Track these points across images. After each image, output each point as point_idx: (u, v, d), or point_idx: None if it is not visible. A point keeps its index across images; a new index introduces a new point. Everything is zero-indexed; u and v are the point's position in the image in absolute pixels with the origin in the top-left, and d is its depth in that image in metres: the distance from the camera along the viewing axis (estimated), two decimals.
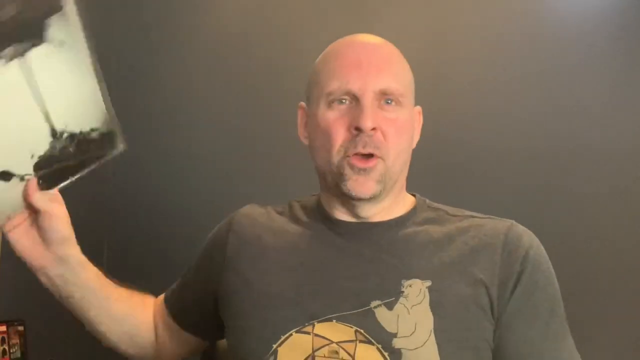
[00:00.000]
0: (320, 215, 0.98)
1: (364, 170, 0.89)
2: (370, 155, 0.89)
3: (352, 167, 0.89)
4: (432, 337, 0.83)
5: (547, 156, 1.68)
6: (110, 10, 1.90)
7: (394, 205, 0.95)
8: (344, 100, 0.90)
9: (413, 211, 0.96)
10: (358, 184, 0.89)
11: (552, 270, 0.89)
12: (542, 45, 1.72)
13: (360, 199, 0.90)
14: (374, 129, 0.88)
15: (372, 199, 0.90)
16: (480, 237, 0.90)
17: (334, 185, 0.92)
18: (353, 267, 0.89)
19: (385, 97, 0.90)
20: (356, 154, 0.89)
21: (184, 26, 1.86)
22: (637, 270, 1.58)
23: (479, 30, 1.78)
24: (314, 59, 0.96)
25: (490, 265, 0.87)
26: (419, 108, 0.98)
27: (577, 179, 1.65)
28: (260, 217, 1.00)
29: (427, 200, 0.99)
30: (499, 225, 0.91)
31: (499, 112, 1.68)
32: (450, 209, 0.97)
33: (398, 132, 0.91)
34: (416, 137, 0.97)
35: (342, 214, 0.95)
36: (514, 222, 0.91)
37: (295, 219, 0.99)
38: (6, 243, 1.42)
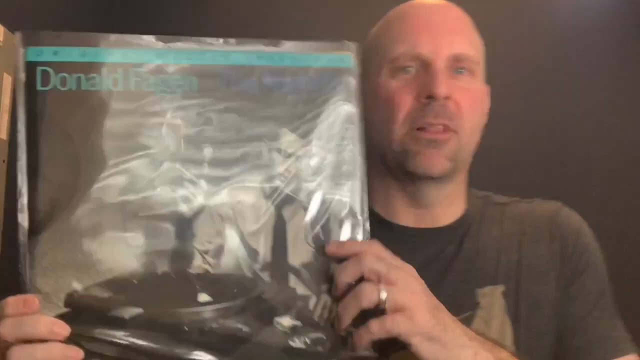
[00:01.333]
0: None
1: (435, 142, 0.75)
2: (442, 127, 0.75)
3: (418, 140, 0.75)
4: (513, 350, 0.74)
5: (546, 156, 1.71)
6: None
7: (457, 193, 0.82)
8: (409, 69, 0.76)
9: (469, 206, 0.83)
10: (427, 158, 0.75)
11: (600, 252, 0.82)
12: (544, 45, 1.76)
13: (428, 178, 0.76)
14: (447, 97, 0.74)
15: (440, 179, 0.77)
16: (534, 225, 0.81)
17: (395, 165, 0.77)
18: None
19: (459, 65, 0.77)
20: (425, 125, 0.75)
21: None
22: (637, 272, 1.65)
23: (481, 31, 1.79)
24: None
25: (552, 255, 0.79)
26: (487, 88, 0.84)
27: (576, 179, 1.71)
28: None
29: (472, 189, 0.86)
30: (548, 209, 0.83)
31: (499, 112, 1.74)
32: (494, 195, 0.86)
33: (473, 105, 0.78)
34: (485, 118, 0.83)
35: (399, 208, 0.80)
36: (559, 204, 0.84)
37: None
38: (6, 243, 1.30)
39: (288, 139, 0.63)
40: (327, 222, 0.64)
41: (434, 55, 0.75)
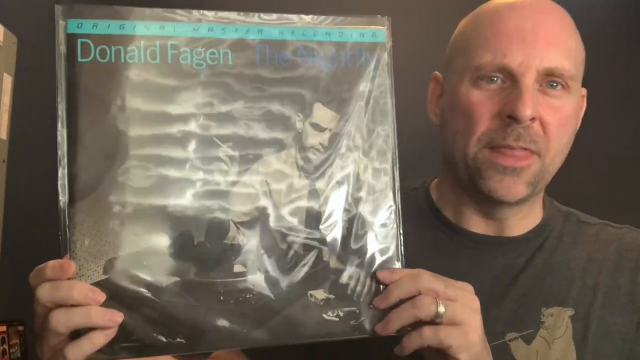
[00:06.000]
0: (435, 219, 0.79)
1: (513, 170, 0.69)
2: (523, 150, 0.69)
3: (494, 166, 0.70)
4: None
5: None
6: None
7: (533, 206, 0.78)
8: (495, 79, 0.70)
9: (547, 219, 0.79)
10: (503, 186, 0.70)
11: None
12: None
13: (502, 202, 0.72)
14: (532, 118, 0.68)
15: (517, 202, 0.72)
16: (620, 253, 0.76)
17: (466, 179, 0.74)
18: (486, 290, 0.71)
19: (551, 80, 0.70)
20: (504, 147, 0.69)
21: None
22: None
23: None
24: None
25: (633, 287, 0.74)
26: (584, 90, 0.77)
27: (578, 179, 1.68)
28: None
29: (554, 202, 0.83)
30: (639, 238, 0.78)
31: None
32: (580, 214, 0.82)
33: (562, 124, 0.71)
34: (577, 127, 0.76)
35: (470, 216, 0.77)
36: None
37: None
38: (6, 243, 1.35)
39: (321, 113, 0.64)
40: (361, 197, 0.64)
41: (523, 69, 0.68)
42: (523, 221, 0.78)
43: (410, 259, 0.65)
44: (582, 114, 0.78)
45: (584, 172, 1.74)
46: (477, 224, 0.78)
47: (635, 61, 1.86)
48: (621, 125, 1.84)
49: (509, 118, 0.69)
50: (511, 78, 0.70)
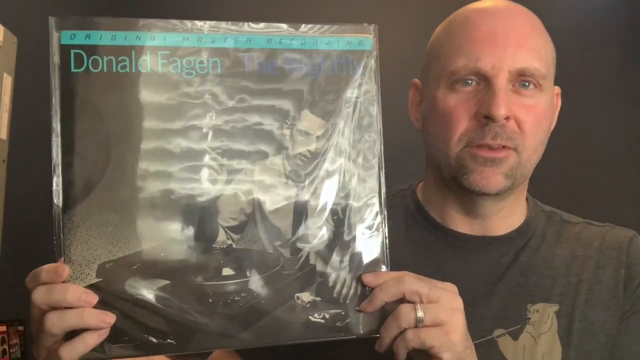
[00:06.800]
0: (422, 219, 0.82)
1: (492, 161, 0.72)
2: (501, 148, 0.72)
3: (475, 158, 0.73)
4: None
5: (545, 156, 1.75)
6: None
7: (515, 205, 0.80)
8: (469, 81, 0.73)
9: (530, 218, 0.81)
10: (483, 177, 0.73)
11: None
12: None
13: (483, 194, 0.74)
14: (507, 117, 0.72)
15: (497, 195, 0.75)
16: (602, 250, 0.78)
17: (450, 179, 0.76)
18: (473, 288, 0.75)
19: (523, 79, 0.73)
20: (483, 145, 0.72)
21: None
22: None
23: None
24: None
25: (615, 283, 0.76)
26: (558, 89, 0.80)
27: (576, 178, 1.72)
28: None
29: (538, 202, 0.85)
30: (620, 235, 0.80)
31: None
32: (563, 213, 0.84)
33: (537, 121, 0.74)
34: (553, 124, 0.79)
35: (454, 215, 0.80)
36: (634, 232, 0.81)
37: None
38: (6, 243, 1.37)
39: (309, 120, 0.65)
40: (347, 203, 0.66)
41: (496, 72, 0.71)
42: (506, 221, 0.80)
43: (399, 257, 0.67)
44: (557, 111, 0.81)
45: (577, 171, 1.76)
46: (461, 224, 0.80)
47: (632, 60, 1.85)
48: (610, 126, 1.83)
49: (485, 118, 0.72)
50: (485, 80, 0.73)
